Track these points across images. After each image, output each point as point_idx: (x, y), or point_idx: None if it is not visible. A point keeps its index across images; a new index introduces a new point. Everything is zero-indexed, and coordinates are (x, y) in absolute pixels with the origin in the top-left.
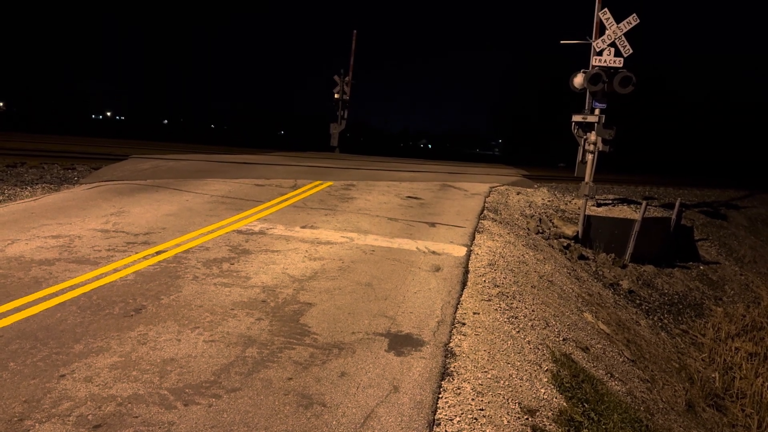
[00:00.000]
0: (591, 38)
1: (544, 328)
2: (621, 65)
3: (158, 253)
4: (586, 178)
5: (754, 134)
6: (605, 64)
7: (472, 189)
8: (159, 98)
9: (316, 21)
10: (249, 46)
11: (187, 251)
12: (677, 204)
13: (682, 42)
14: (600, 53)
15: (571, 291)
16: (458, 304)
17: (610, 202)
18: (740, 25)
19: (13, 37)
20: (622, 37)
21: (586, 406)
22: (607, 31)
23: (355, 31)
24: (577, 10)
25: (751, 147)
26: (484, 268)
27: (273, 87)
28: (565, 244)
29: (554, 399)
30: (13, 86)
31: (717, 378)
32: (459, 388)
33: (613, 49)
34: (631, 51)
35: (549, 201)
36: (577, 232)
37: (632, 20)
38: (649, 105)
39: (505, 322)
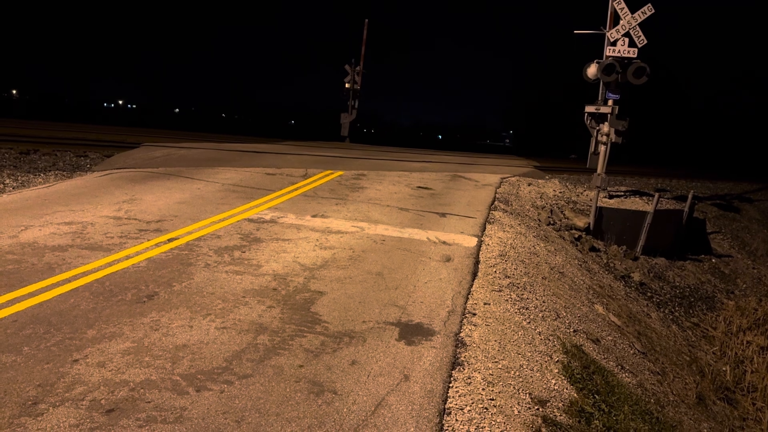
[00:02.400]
0: (605, 28)
1: (555, 319)
2: (635, 56)
3: (170, 240)
4: (599, 170)
5: (759, 131)
6: (619, 55)
7: (483, 180)
8: (157, 98)
9: (311, 21)
10: (246, 46)
11: (198, 239)
12: (690, 196)
13: (687, 37)
14: (614, 43)
15: (582, 283)
16: (469, 294)
17: (622, 193)
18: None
19: (18, 34)
20: (637, 27)
21: (597, 397)
22: (621, 21)
23: (366, 20)
24: (587, 5)
25: (758, 143)
26: (494, 258)
27: (269, 87)
28: (576, 236)
29: (565, 390)
30: (22, 77)
31: (728, 371)
32: (469, 378)
33: (627, 40)
34: (645, 41)
35: (560, 192)
36: (589, 223)
37: (647, 10)
38: (658, 100)
39: (515, 312)
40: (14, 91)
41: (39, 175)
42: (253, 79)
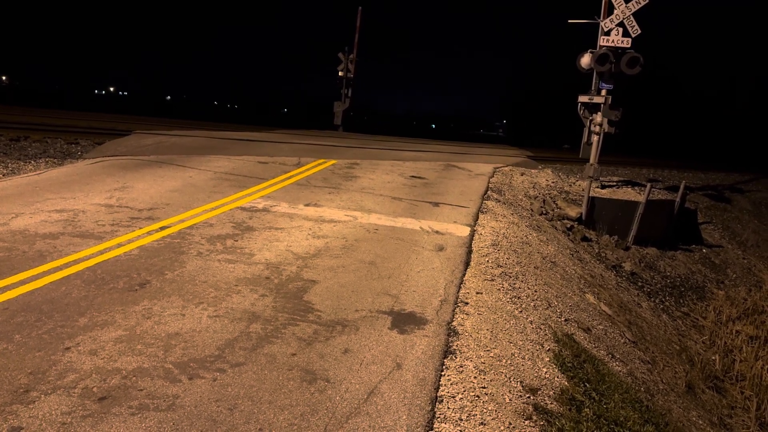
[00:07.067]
0: (599, 17)
1: (547, 308)
2: (629, 45)
3: (162, 228)
4: (591, 160)
5: (751, 124)
6: (613, 44)
7: (476, 169)
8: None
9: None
10: (246, 46)
11: (191, 227)
12: (681, 187)
13: (686, 37)
14: (608, 33)
15: (573, 272)
16: (461, 283)
17: (615, 183)
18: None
19: (18, 34)
20: (631, 16)
21: (588, 385)
22: (615, 11)
23: (360, 8)
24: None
25: (750, 135)
26: (487, 248)
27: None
28: (568, 226)
29: (556, 378)
30: (22, 76)
31: (717, 360)
32: (461, 366)
33: (621, 29)
34: (639, 31)
35: (553, 182)
36: (581, 213)
37: (641, 0)
38: (652, 92)
39: (507, 302)
40: (4, 77)
41: (29, 162)
42: (253, 79)
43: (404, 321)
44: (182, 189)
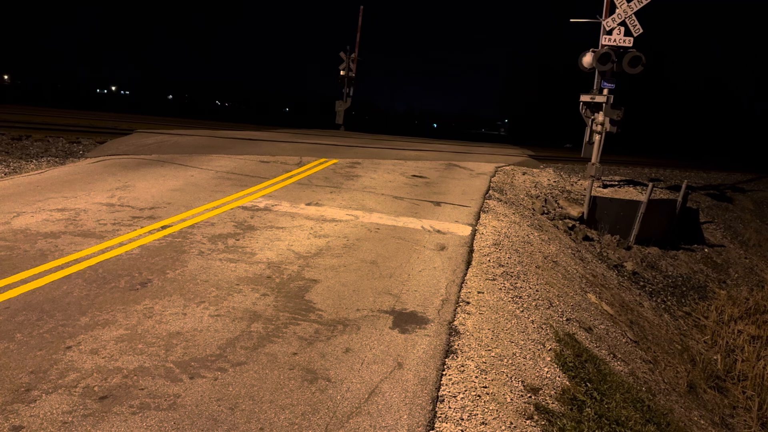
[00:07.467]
0: (601, 17)
1: (548, 308)
2: (631, 45)
3: (164, 227)
4: (593, 159)
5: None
6: (615, 44)
7: (478, 168)
8: (151, 86)
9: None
10: (246, 46)
11: (192, 226)
12: (683, 186)
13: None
14: (610, 32)
15: (575, 272)
16: (463, 282)
17: (617, 183)
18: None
19: (18, 34)
20: (633, 16)
21: (589, 385)
22: (617, 10)
23: (362, 7)
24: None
25: (755, 135)
26: (488, 247)
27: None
28: (570, 225)
29: (557, 378)
30: (15, 61)
31: (719, 360)
32: (463, 366)
33: (623, 29)
34: (641, 30)
35: (555, 181)
36: (583, 213)
37: None
38: (653, 91)
39: (509, 301)
40: (6, 77)
41: (31, 161)
42: (253, 79)
43: (405, 320)
44: (184, 188)
